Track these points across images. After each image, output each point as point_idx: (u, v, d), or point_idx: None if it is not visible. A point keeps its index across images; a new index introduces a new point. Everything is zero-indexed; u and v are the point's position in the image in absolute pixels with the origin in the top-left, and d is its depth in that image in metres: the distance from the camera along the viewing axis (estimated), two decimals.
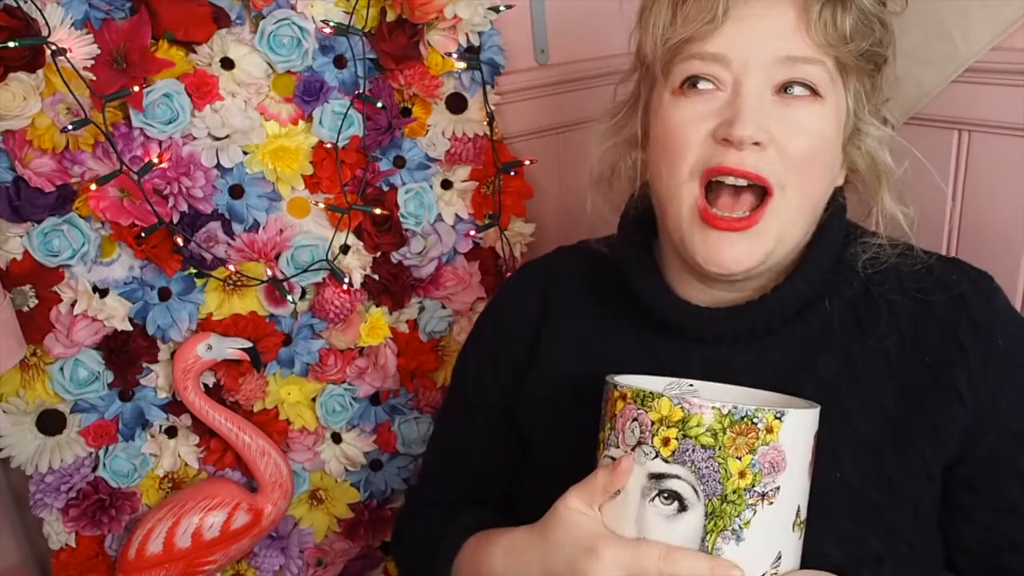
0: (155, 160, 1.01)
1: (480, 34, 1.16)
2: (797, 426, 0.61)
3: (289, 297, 1.12)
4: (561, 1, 1.34)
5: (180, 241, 1.04)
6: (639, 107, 0.82)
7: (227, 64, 1.04)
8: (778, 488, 0.61)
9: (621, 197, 0.88)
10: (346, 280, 1.13)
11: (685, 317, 0.79)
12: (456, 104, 1.18)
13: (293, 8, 1.05)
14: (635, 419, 0.63)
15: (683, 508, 0.61)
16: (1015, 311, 0.79)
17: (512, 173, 1.23)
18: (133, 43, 0.98)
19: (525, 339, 0.90)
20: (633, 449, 0.63)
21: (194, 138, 1.05)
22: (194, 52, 1.03)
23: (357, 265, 1.15)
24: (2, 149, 0.97)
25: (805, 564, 0.65)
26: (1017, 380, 0.75)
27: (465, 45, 1.14)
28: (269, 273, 1.11)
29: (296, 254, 1.12)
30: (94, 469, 1.11)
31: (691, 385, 0.74)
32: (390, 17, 1.10)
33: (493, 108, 1.18)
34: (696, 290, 0.80)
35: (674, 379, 0.74)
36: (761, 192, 0.72)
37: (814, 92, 0.72)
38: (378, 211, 1.13)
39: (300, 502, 1.25)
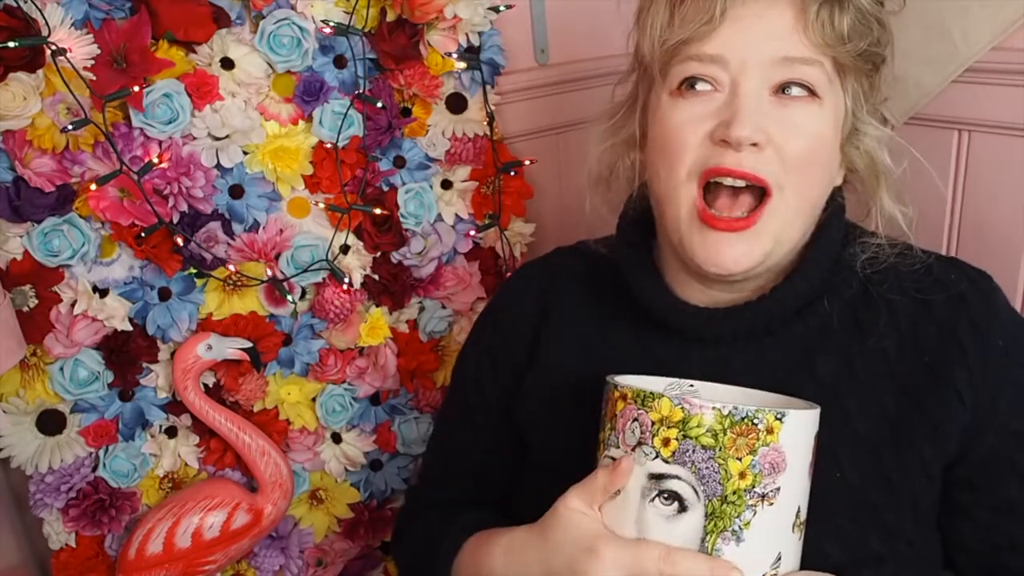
0: (155, 160, 1.01)
1: (480, 34, 1.16)
2: (797, 427, 0.61)
3: (289, 297, 1.12)
4: (561, 1, 1.34)
5: (180, 241, 1.04)
6: (637, 108, 0.82)
7: (227, 64, 1.04)
8: (778, 489, 0.61)
9: (619, 198, 0.88)
10: (346, 280, 1.13)
11: (684, 317, 0.79)
12: (456, 104, 1.18)
13: (293, 8, 1.05)
14: (635, 419, 0.63)
15: (683, 508, 0.61)
16: (1014, 311, 0.79)
17: (512, 173, 1.23)
18: (133, 43, 0.98)
19: (525, 339, 0.90)
20: (633, 449, 0.63)
21: (194, 138, 1.05)
22: (194, 52, 1.03)
23: (357, 265, 1.15)
24: (2, 149, 0.97)
25: (805, 564, 0.65)
26: (1016, 379, 0.75)
27: (465, 45, 1.14)
28: (269, 273, 1.11)
29: (296, 254, 1.12)
30: (94, 469, 1.11)
31: (691, 386, 0.74)
32: (390, 17, 1.10)
33: (493, 108, 1.19)
34: (695, 290, 0.80)
35: (674, 379, 0.74)
36: (759, 193, 0.72)
37: (812, 93, 0.72)
38: (378, 211, 1.13)
39: (300, 502, 1.25)
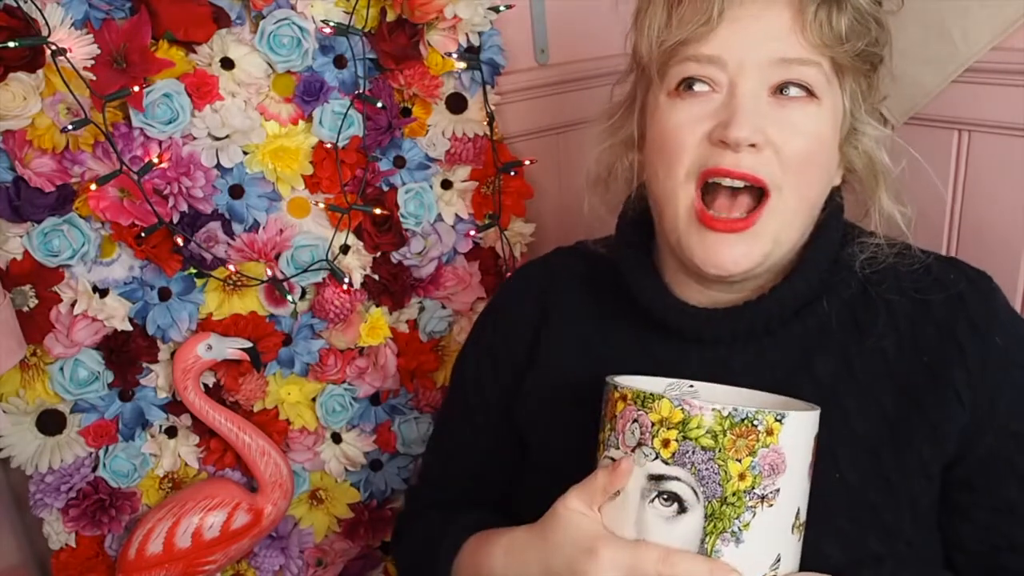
0: (155, 160, 1.01)
1: (480, 34, 1.16)
2: (797, 428, 0.61)
3: (289, 297, 1.12)
4: (561, 1, 1.34)
5: (180, 241, 1.04)
6: (635, 109, 0.82)
7: (227, 64, 1.04)
8: (778, 490, 0.61)
9: (618, 198, 0.88)
10: (346, 280, 1.13)
11: (683, 318, 0.79)
12: (456, 104, 1.18)
13: (293, 8, 1.05)
14: (635, 420, 0.63)
15: (683, 510, 0.61)
16: (1013, 311, 0.79)
17: (512, 173, 1.23)
18: (133, 43, 0.98)
19: (525, 339, 0.90)
20: (633, 450, 0.63)
21: (194, 138, 1.05)
22: (194, 52, 1.03)
23: (357, 265, 1.15)
24: (2, 149, 0.97)
25: (804, 565, 0.65)
26: (1015, 380, 0.75)
27: (465, 45, 1.14)
28: (269, 273, 1.11)
29: (296, 254, 1.12)
30: (94, 469, 1.11)
31: (691, 386, 0.74)
32: (390, 17, 1.10)
33: (493, 108, 1.19)
34: (694, 291, 0.80)
35: (674, 380, 0.74)
36: (758, 193, 0.72)
37: (810, 93, 0.71)
38: (378, 211, 1.13)
39: (300, 502, 1.25)
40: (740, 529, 0.61)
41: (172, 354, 1.11)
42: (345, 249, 1.15)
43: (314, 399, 1.20)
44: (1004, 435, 0.75)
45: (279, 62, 1.05)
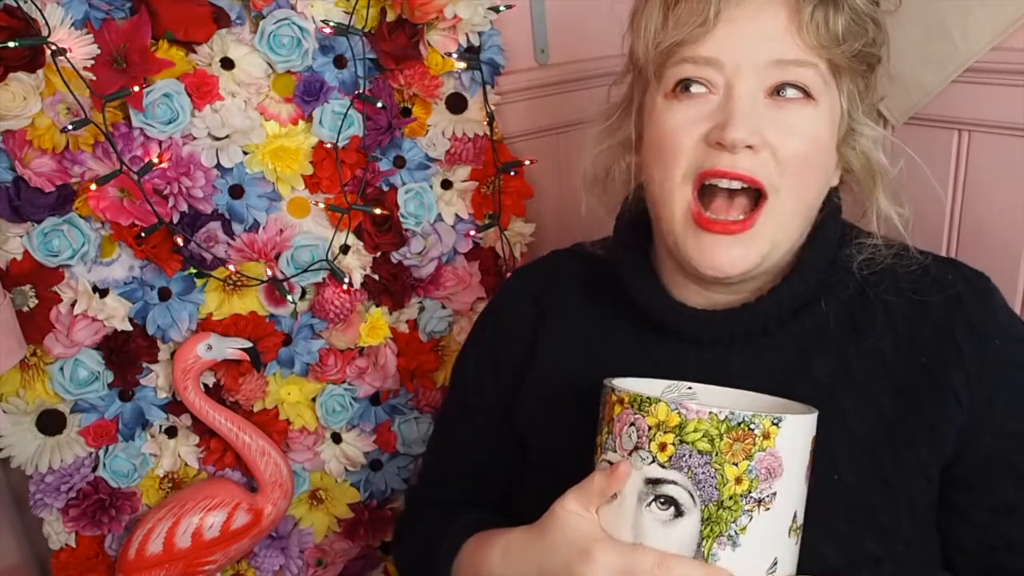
0: (155, 160, 1.01)
1: (480, 34, 1.16)
2: (794, 432, 0.61)
3: (289, 297, 1.12)
4: (561, 1, 1.34)
5: (180, 241, 1.04)
6: (632, 110, 0.82)
7: (227, 64, 1.04)
8: (774, 494, 0.61)
9: (616, 199, 0.88)
10: (346, 280, 1.13)
11: (681, 320, 0.79)
12: (456, 104, 1.18)
13: (293, 8, 1.05)
14: (632, 424, 0.63)
15: (679, 513, 0.61)
16: (1011, 311, 0.78)
17: (512, 173, 1.23)
18: (133, 43, 0.98)
19: (524, 339, 0.90)
20: (630, 454, 0.63)
21: (194, 138, 1.05)
22: (194, 52, 1.03)
23: (357, 265, 1.15)
24: (2, 149, 0.97)
25: (802, 566, 0.65)
26: (1013, 380, 0.75)
27: (465, 45, 1.14)
28: (269, 273, 1.11)
29: (296, 254, 1.12)
30: (94, 469, 1.11)
31: (689, 388, 0.74)
32: (390, 17, 1.10)
33: (493, 108, 1.19)
34: (692, 292, 0.80)
35: (672, 382, 0.74)
36: (755, 195, 0.72)
37: (807, 95, 0.71)
38: (378, 211, 1.13)
39: (300, 502, 1.25)
40: (737, 533, 0.60)
41: (172, 354, 1.11)
42: (345, 249, 1.15)
43: (314, 399, 1.20)
44: (1002, 435, 0.74)
45: (279, 62, 1.05)
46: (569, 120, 1.37)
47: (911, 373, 0.75)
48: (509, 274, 1.25)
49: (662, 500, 0.61)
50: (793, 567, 0.64)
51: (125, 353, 1.07)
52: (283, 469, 1.15)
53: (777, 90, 0.71)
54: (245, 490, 1.14)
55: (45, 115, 0.96)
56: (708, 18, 0.70)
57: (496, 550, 0.77)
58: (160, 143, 1.03)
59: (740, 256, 0.72)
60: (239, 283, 1.11)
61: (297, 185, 1.12)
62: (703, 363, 0.80)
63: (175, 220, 1.05)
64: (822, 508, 0.67)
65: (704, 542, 0.61)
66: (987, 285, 0.78)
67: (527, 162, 1.24)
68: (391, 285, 1.19)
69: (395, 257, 1.19)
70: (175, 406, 1.13)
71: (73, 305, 1.03)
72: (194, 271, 1.09)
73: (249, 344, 1.11)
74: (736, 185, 0.71)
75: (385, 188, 1.17)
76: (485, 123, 1.19)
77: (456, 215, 1.22)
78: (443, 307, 1.25)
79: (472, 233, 1.24)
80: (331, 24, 1.05)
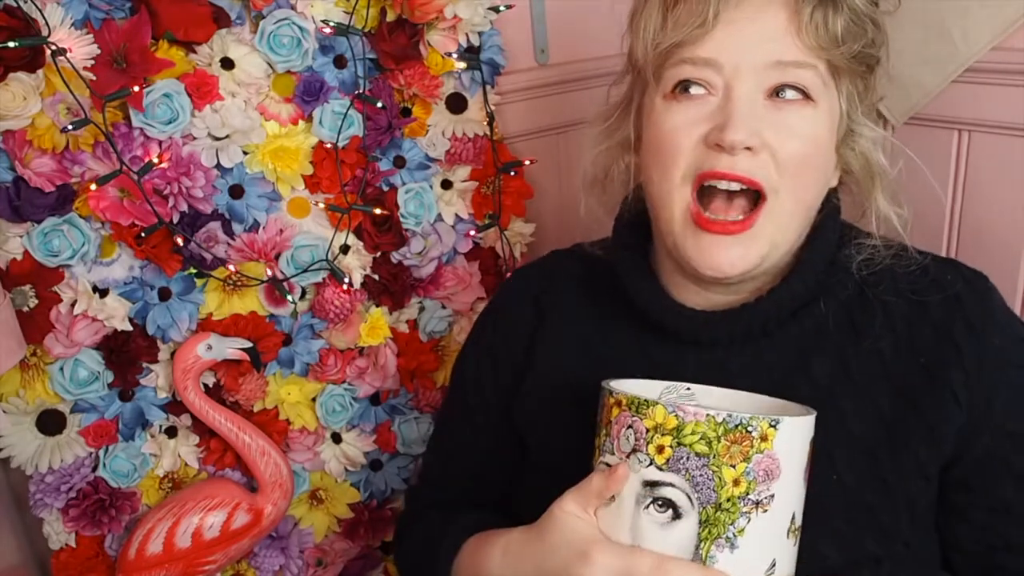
0: (155, 160, 1.01)
1: (480, 34, 1.16)
2: (792, 434, 0.61)
3: (289, 297, 1.12)
4: (561, 1, 1.33)
5: (180, 241, 1.04)
6: (631, 110, 0.82)
7: (227, 64, 1.04)
8: (772, 496, 0.61)
9: (615, 200, 0.88)
10: (346, 280, 1.13)
11: (680, 320, 0.79)
12: (456, 104, 1.18)
13: (293, 8, 1.05)
14: (630, 426, 0.63)
15: (677, 516, 0.61)
16: (1010, 311, 0.78)
17: (512, 173, 1.23)
18: (133, 43, 0.98)
19: (524, 339, 0.90)
20: (628, 456, 0.63)
21: (194, 138, 1.05)
22: (194, 52, 1.03)
23: (357, 265, 1.15)
24: (2, 149, 0.97)
25: (802, 566, 0.65)
26: (1012, 380, 0.75)
27: (465, 45, 1.14)
28: (269, 273, 1.11)
29: (296, 254, 1.12)
30: (94, 469, 1.11)
31: (688, 389, 0.74)
32: (390, 17, 1.10)
33: (493, 108, 1.19)
34: (691, 292, 0.80)
35: (671, 383, 0.74)
36: (754, 196, 0.72)
37: (806, 96, 0.71)
38: (378, 211, 1.13)
39: (300, 502, 1.25)
40: (735, 535, 0.60)
41: (172, 354, 1.11)
42: (345, 249, 1.15)
43: (314, 399, 1.20)
44: (1000, 435, 0.74)
45: (279, 62, 1.05)
46: (569, 120, 1.37)
47: (910, 373, 0.75)
48: (509, 274, 1.25)
49: (660, 502, 0.61)
50: (792, 568, 0.64)
51: (125, 353, 1.07)
52: (283, 469, 1.15)
53: (776, 91, 0.71)
54: (245, 490, 1.14)
55: (45, 115, 0.96)
56: (707, 19, 0.70)
57: (496, 550, 0.77)
58: (160, 143, 1.03)
59: (739, 256, 0.72)
60: (239, 283, 1.11)
61: (297, 185, 1.12)
62: (702, 364, 0.80)
63: (175, 220, 1.05)
64: (821, 508, 0.67)
65: (702, 544, 0.61)
66: (986, 285, 0.78)
67: (527, 162, 1.24)
68: (391, 285, 1.19)
69: (395, 257, 1.19)
70: (175, 406, 1.13)
71: (73, 305, 1.03)
72: (194, 271, 1.09)
73: (249, 344, 1.11)
74: (735, 187, 0.71)
75: (385, 188, 1.17)
76: (485, 123, 1.19)
77: (456, 215, 1.22)
78: (443, 307, 1.25)
79: (472, 233, 1.24)
80: (331, 24, 1.05)
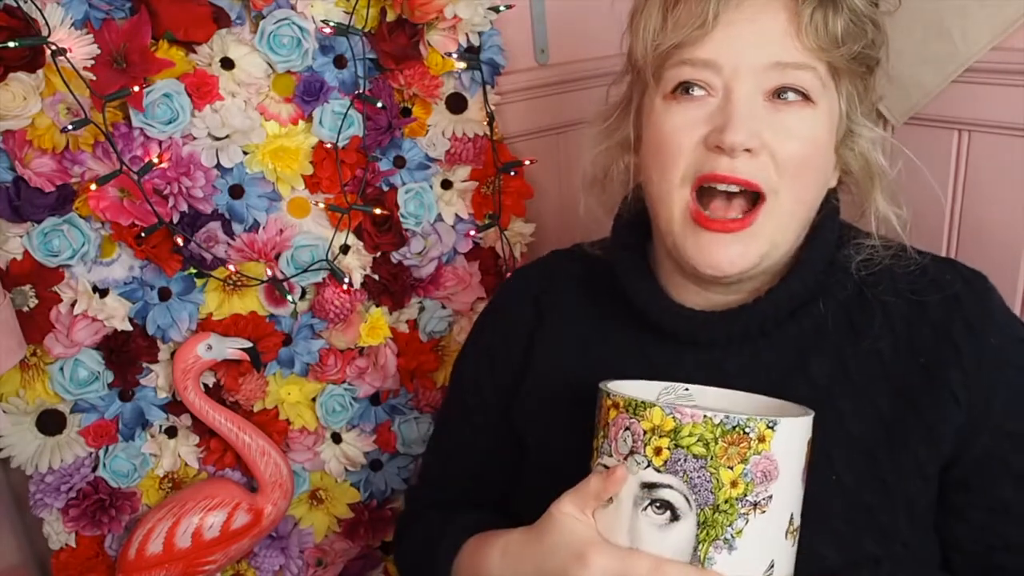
0: (155, 160, 1.01)
1: (480, 34, 1.16)
2: (790, 435, 0.61)
3: (289, 297, 1.12)
4: (561, 1, 1.33)
5: (180, 241, 1.04)
6: (631, 110, 0.82)
7: (227, 64, 1.04)
8: (770, 497, 0.61)
9: (614, 200, 0.88)
10: (346, 280, 1.13)
11: (678, 321, 0.79)
12: (456, 104, 1.18)
13: (293, 8, 1.05)
14: (627, 428, 0.63)
15: (675, 517, 0.61)
16: (1009, 311, 0.78)
17: (512, 173, 1.23)
18: (133, 43, 0.98)
19: (523, 340, 0.90)
20: (626, 458, 0.63)
21: (194, 138, 1.05)
22: (194, 52, 1.03)
23: (357, 265, 1.15)
24: (2, 149, 0.97)
25: (801, 567, 0.65)
26: (1011, 380, 0.75)
27: (465, 45, 1.14)
28: (269, 273, 1.11)
29: (296, 254, 1.12)
30: (94, 469, 1.11)
31: (686, 389, 0.74)
32: (390, 17, 1.10)
33: (493, 108, 1.19)
34: (690, 292, 0.80)
35: (669, 384, 0.74)
36: (754, 196, 0.72)
37: (806, 97, 0.71)
38: (378, 211, 1.14)
39: (300, 502, 1.25)
40: (733, 536, 0.60)
41: (172, 354, 1.11)
42: (345, 249, 1.15)
43: (314, 399, 1.20)
44: (999, 435, 0.74)
45: (279, 62, 1.05)
46: (569, 120, 1.37)
47: (909, 373, 0.75)
48: (509, 274, 1.25)
49: (658, 504, 0.61)
50: (790, 569, 0.64)
51: (125, 353, 1.07)
52: (283, 469, 1.15)
53: (776, 93, 0.71)
54: (245, 490, 1.14)
55: (45, 115, 0.96)
56: (707, 20, 0.70)
57: (495, 551, 0.77)
58: (160, 143, 1.03)
59: (739, 254, 0.72)
60: (239, 283, 1.11)
61: (297, 185, 1.12)
62: (700, 364, 0.80)
63: (175, 220, 1.05)
64: (820, 509, 0.67)
65: (700, 546, 0.61)
66: (985, 285, 0.78)
67: (527, 162, 1.24)
68: (391, 285, 1.19)
69: (395, 257, 1.19)
70: (175, 406, 1.13)
71: (73, 305, 1.03)
72: (194, 271, 1.09)
73: (249, 344, 1.11)
74: (735, 188, 0.71)
75: (385, 188, 1.17)
76: (485, 123, 1.19)
77: (456, 215, 1.22)
78: (443, 307, 1.25)
79: (472, 233, 1.24)
80: (331, 24, 1.05)
